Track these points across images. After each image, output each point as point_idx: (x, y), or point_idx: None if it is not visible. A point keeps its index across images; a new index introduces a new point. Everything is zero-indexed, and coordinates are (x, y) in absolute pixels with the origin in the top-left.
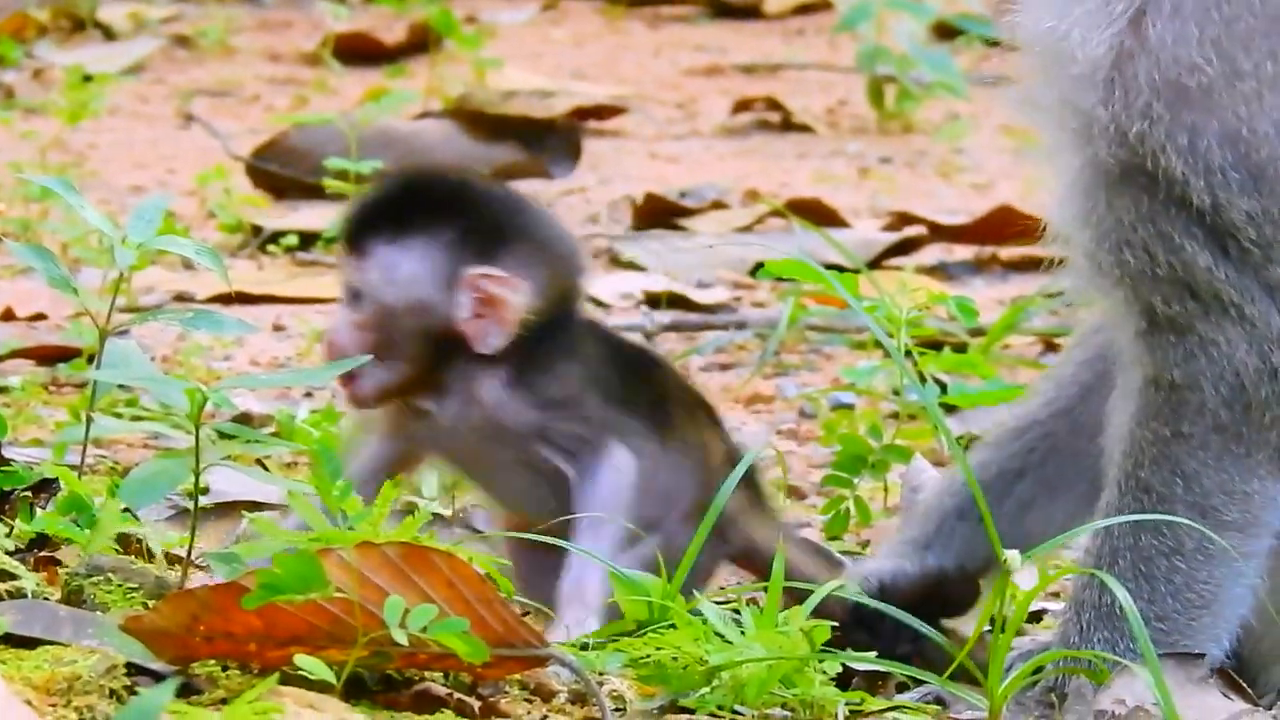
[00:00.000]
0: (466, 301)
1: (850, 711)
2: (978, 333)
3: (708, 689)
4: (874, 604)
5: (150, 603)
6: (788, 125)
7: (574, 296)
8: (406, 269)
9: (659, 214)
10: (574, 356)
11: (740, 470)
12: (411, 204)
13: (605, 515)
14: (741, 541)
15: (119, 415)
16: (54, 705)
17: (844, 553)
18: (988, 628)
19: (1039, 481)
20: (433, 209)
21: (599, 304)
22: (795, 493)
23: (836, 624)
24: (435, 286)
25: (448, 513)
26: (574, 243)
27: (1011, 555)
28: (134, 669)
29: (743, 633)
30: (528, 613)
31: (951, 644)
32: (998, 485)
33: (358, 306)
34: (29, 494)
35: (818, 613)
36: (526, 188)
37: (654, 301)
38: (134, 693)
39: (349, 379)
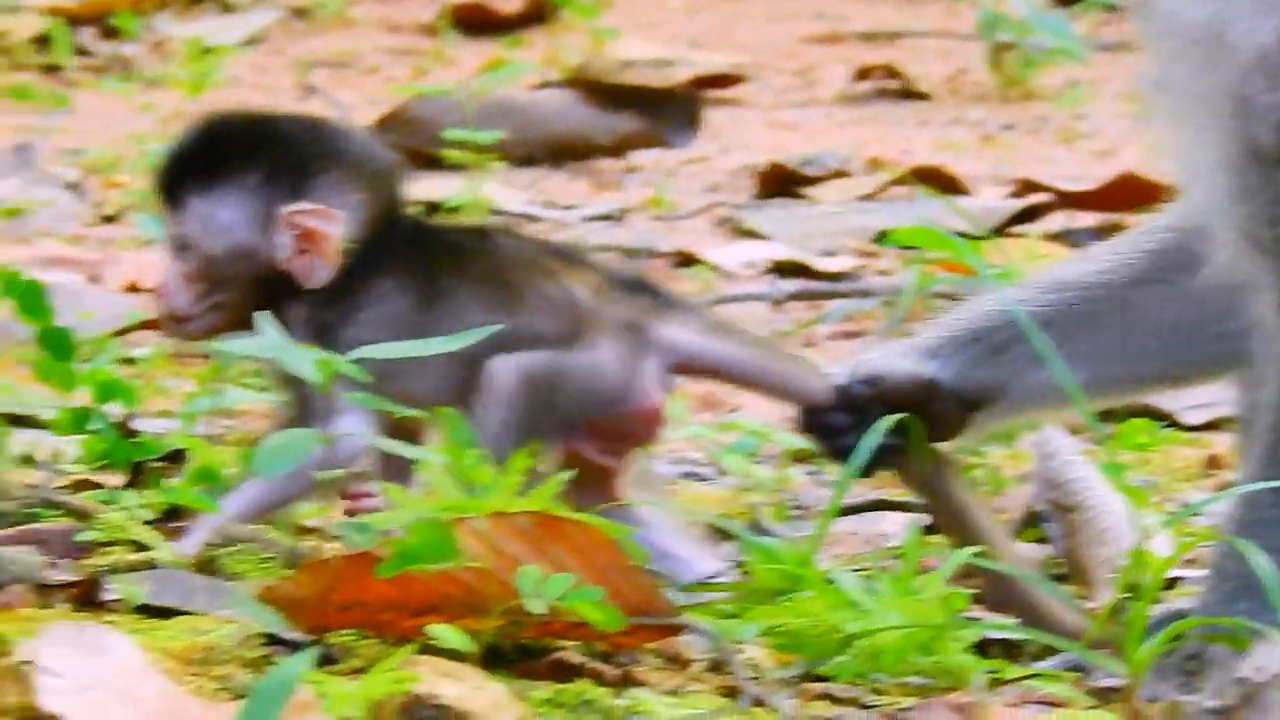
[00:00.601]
0: (286, 241)
1: (989, 679)
2: None
3: (844, 656)
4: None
5: (285, 572)
6: (907, 93)
7: (395, 210)
8: (222, 217)
9: (781, 183)
10: (379, 278)
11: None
12: (217, 150)
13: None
14: (666, 343)
15: (246, 385)
16: (191, 675)
17: None
18: (1124, 595)
19: (1062, 339)
20: (238, 152)
21: (722, 272)
22: None
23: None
24: (252, 230)
25: None
26: (385, 157)
27: (1150, 521)
28: (270, 638)
29: (879, 600)
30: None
31: (1091, 612)
32: (1019, 326)
33: (184, 257)
34: (160, 464)
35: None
36: (646, 157)
37: (778, 270)
38: (270, 662)
39: (181, 322)
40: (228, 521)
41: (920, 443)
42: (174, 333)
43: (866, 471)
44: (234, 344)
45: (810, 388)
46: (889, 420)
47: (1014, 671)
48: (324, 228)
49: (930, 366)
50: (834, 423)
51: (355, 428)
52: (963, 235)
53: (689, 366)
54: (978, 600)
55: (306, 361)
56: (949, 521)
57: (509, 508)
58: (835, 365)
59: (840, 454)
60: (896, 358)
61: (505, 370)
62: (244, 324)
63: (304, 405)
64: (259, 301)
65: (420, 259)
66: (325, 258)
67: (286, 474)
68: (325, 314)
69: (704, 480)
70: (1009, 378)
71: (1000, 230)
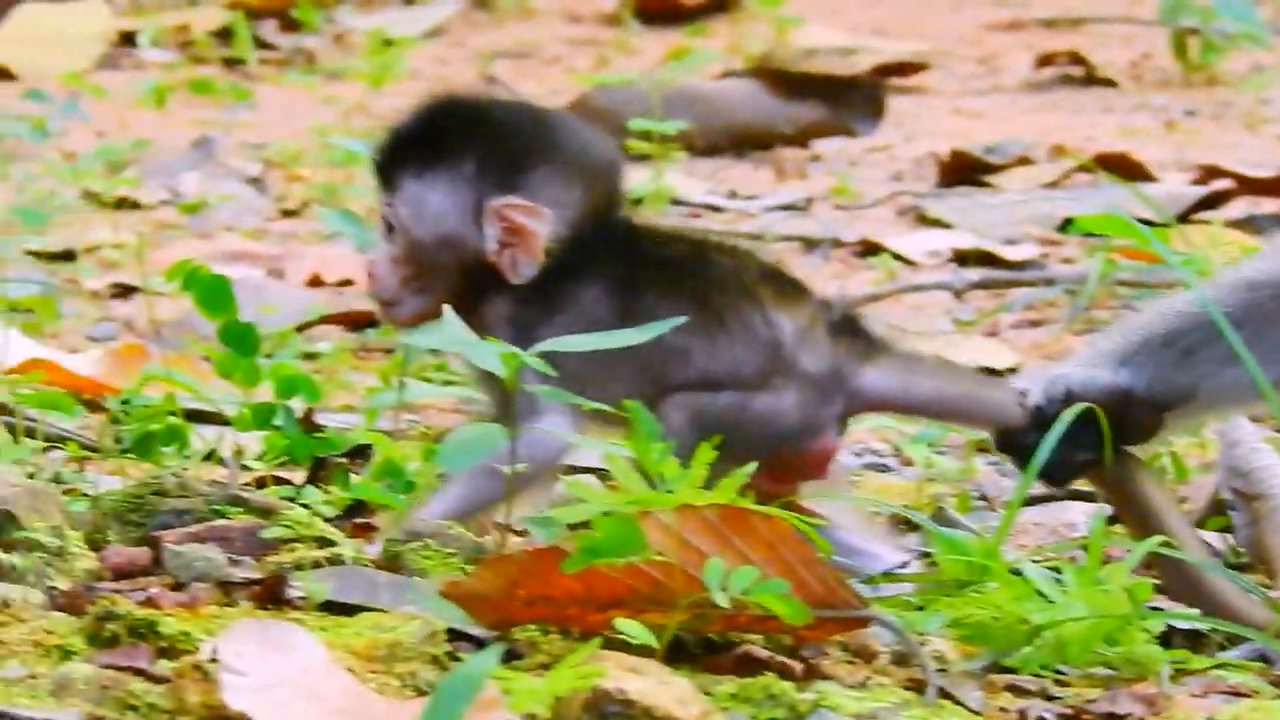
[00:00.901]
0: (493, 233)
1: (1174, 670)
2: None
3: (1029, 648)
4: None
5: (469, 568)
6: (1091, 79)
7: (611, 209)
8: (433, 203)
9: (964, 170)
10: (585, 284)
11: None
12: (435, 134)
13: (493, 469)
14: (860, 392)
15: (428, 380)
16: (375, 672)
17: None
18: None
19: (1254, 339)
20: (455, 138)
21: (905, 261)
22: None
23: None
24: (462, 219)
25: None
26: (607, 153)
27: None
28: (454, 634)
29: (1064, 591)
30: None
31: (1275, 601)
32: (1209, 327)
33: (392, 240)
34: (343, 460)
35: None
36: (830, 146)
37: (962, 259)
38: (455, 658)
39: (387, 306)
40: (429, 525)
41: (1113, 450)
42: (383, 316)
43: (1062, 481)
44: (420, 336)
45: (1008, 412)
46: (1075, 420)
47: (1199, 662)
48: (531, 224)
49: (1123, 375)
50: (1032, 443)
51: (554, 431)
52: (1146, 222)
53: (885, 409)
54: (1162, 591)
55: (492, 356)
56: (1138, 523)
57: (695, 501)
58: (1029, 381)
59: (1041, 471)
60: (1089, 370)
61: (679, 411)
62: (447, 301)
63: (505, 404)
64: (464, 292)
65: (629, 268)
66: (531, 255)
67: (485, 474)
68: (527, 312)
69: (888, 471)
70: (1200, 379)
71: (1184, 217)
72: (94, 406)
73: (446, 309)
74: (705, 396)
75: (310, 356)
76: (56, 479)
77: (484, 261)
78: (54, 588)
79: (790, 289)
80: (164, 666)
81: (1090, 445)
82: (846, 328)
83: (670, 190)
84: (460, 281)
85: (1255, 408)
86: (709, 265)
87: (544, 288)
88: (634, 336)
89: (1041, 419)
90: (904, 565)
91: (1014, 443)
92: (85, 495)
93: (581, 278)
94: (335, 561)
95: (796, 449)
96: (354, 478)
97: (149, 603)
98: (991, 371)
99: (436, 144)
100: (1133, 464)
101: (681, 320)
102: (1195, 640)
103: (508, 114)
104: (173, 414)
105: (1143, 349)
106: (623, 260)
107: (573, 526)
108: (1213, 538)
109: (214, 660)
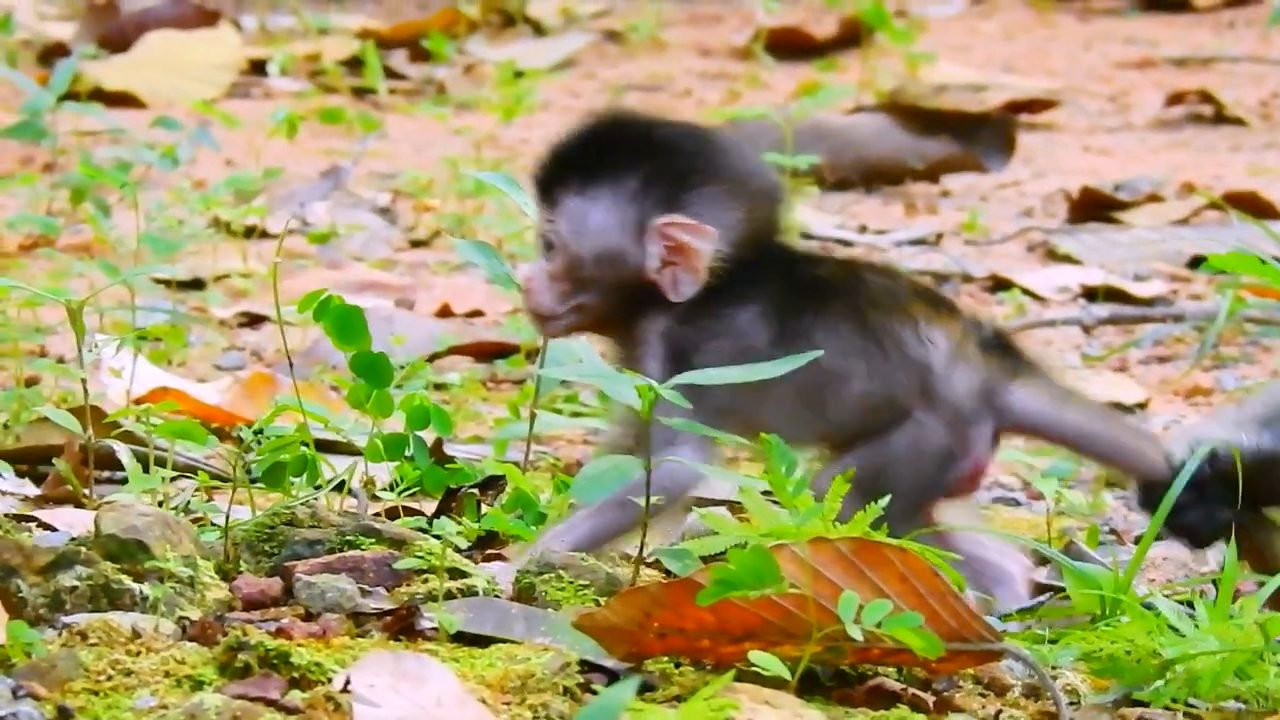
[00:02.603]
0: (656, 251)
1: None
2: None
3: (1161, 682)
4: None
5: (602, 599)
6: (1220, 118)
7: (771, 232)
8: (595, 220)
9: (1094, 207)
10: (743, 305)
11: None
12: (598, 152)
13: (623, 501)
14: (1009, 409)
15: (559, 411)
16: (508, 703)
17: None
18: None
19: None
20: (619, 156)
21: (1035, 297)
22: None
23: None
24: (624, 236)
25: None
26: (770, 177)
27: None
28: (587, 666)
29: (1196, 625)
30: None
31: None
32: None
33: (551, 256)
34: (475, 491)
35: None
36: (960, 182)
37: (1091, 295)
38: (588, 690)
39: (543, 320)
40: (558, 555)
41: (1254, 513)
42: (539, 329)
43: (1202, 541)
44: (556, 369)
45: (1150, 463)
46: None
47: None
48: (696, 243)
49: (1266, 438)
50: (1182, 501)
51: (689, 457)
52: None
53: (1031, 432)
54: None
55: (628, 388)
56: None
57: (828, 533)
58: (1175, 439)
59: (1182, 531)
60: (1232, 431)
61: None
62: (606, 326)
63: (641, 432)
64: (620, 309)
65: (785, 290)
66: (694, 273)
67: (616, 505)
68: (682, 332)
69: (1017, 505)
70: None
71: None
72: (222, 435)
73: (585, 342)
74: (871, 452)
75: (440, 387)
76: (185, 508)
77: (644, 279)
78: (185, 618)
79: (942, 306)
80: (296, 697)
81: (1231, 506)
82: (997, 346)
83: (801, 224)
84: (618, 299)
85: None
86: (862, 283)
87: (701, 308)
88: (774, 369)
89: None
90: (1037, 599)
91: (1156, 499)
92: (215, 525)
93: (739, 300)
94: (468, 592)
95: (952, 469)
96: (486, 509)
97: (280, 633)
98: (1120, 407)
99: (600, 161)
100: (1271, 528)
101: (818, 354)
102: None
103: (672, 133)
104: (304, 444)
105: None
106: (779, 283)
107: (706, 558)
108: None
109: (347, 691)
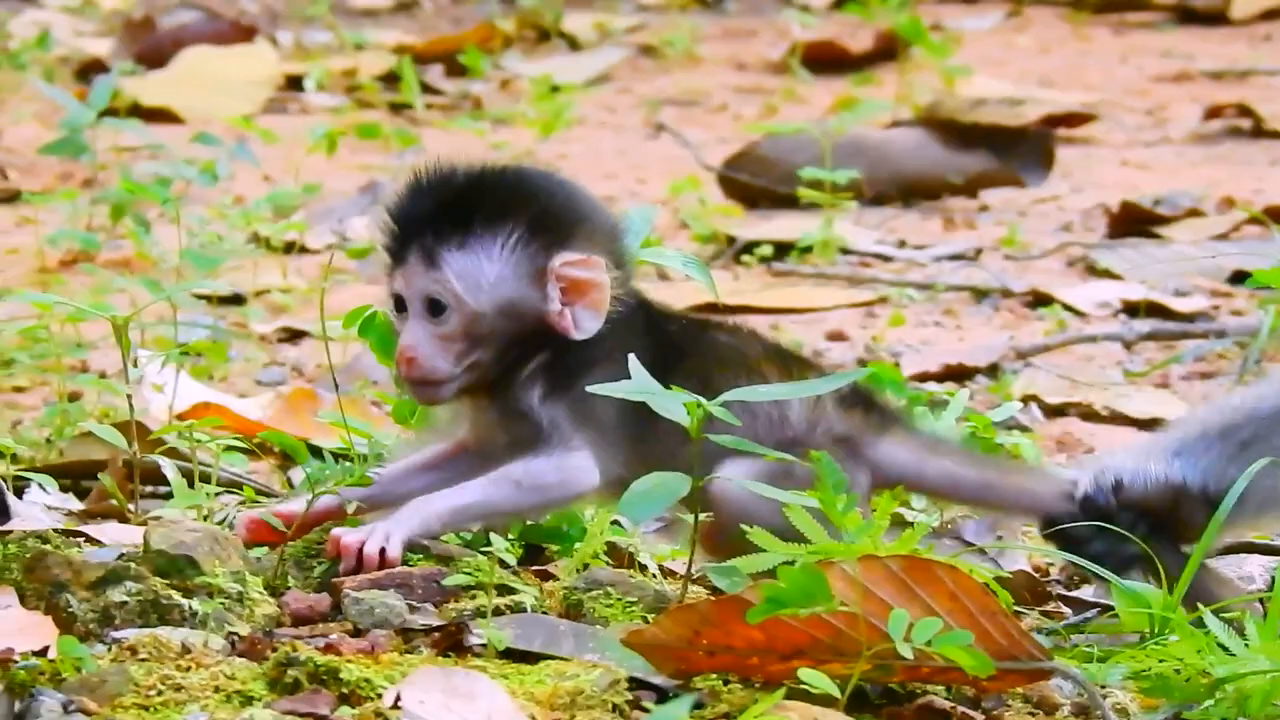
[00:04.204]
0: (555, 294)
1: None
2: None
3: (1211, 701)
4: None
5: (650, 616)
6: (1259, 131)
7: (628, 265)
8: (490, 272)
9: (1134, 222)
10: (610, 344)
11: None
12: (469, 205)
13: (521, 477)
14: (877, 462)
15: None
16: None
17: None
18: None
19: None
20: (493, 206)
21: (1076, 312)
22: None
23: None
24: (522, 284)
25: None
26: (615, 217)
27: None
28: (636, 683)
29: (1245, 644)
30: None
31: None
32: (1268, 421)
33: (442, 318)
34: None
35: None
36: (998, 196)
37: (1132, 310)
38: (637, 707)
39: (433, 387)
40: (431, 523)
41: (1166, 546)
42: (425, 398)
43: (1118, 571)
44: (602, 385)
45: (1046, 502)
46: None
47: None
48: (595, 277)
49: (1175, 467)
50: (1080, 533)
51: (586, 465)
52: None
53: (900, 483)
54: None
55: (677, 405)
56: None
57: (878, 552)
58: (1081, 470)
59: (1092, 562)
60: (1141, 460)
61: (727, 490)
62: (494, 380)
63: (537, 441)
64: (510, 358)
65: (648, 335)
66: (597, 308)
67: (512, 482)
68: (563, 362)
69: None
70: (1256, 477)
71: None
72: (265, 451)
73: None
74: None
75: None
76: (230, 524)
77: (543, 323)
78: (234, 633)
79: (795, 364)
80: (345, 713)
81: (1142, 538)
82: (859, 401)
83: (840, 239)
84: (510, 348)
85: None
86: (714, 343)
87: (576, 343)
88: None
89: (1090, 508)
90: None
91: (1059, 533)
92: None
93: (612, 332)
94: (516, 609)
95: None
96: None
97: (329, 649)
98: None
99: (474, 214)
100: (1184, 562)
101: (863, 372)
102: None
103: (534, 177)
104: (348, 459)
105: (1198, 442)
106: (641, 329)
107: (754, 576)
108: None
109: (397, 707)
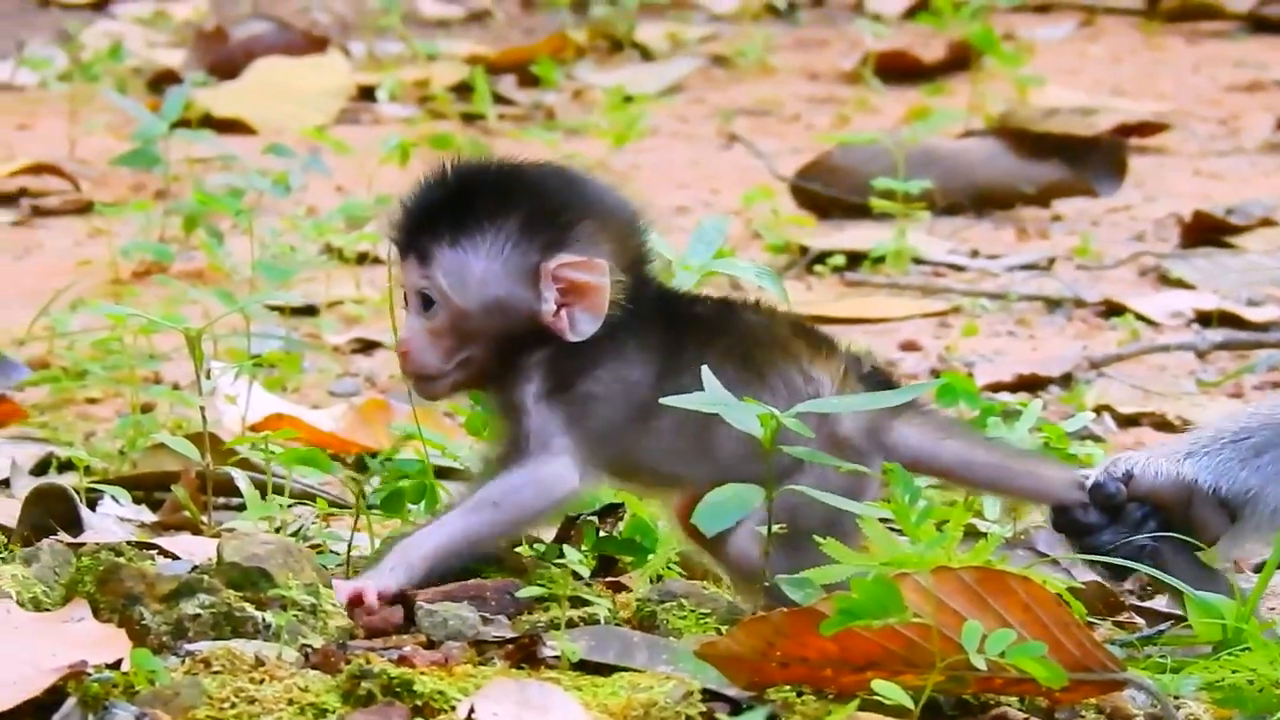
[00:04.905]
0: (551, 294)
1: None
2: None
3: None
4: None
5: (723, 628)
6: None
7: (644, 261)
8: (478, 270)
9: (1206, 231)
10: (619, 345)
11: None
12: (466, 201)
13: (497, 498)
14: (894, 446)
15: None
16: None
17: None
18: None
19: None
20: (489, 202)
21: (1148, 322)
22: None
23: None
24: (513, 283)
25: (1008, 534)
26: (632, 208)
27: None
28: (709, 695)
29: None
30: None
31: None
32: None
33: (431, 313)
34: (593, 518)
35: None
36: (1071, 206)
37: (1204, 320)
38: (711, 719)
39: (426, 381)
40: (416, 570)
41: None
42: (421, 391)
43: (1124, 572)
44: (677, 397)
45: (1057, 489)
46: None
47: None
48: (594, 280)
49: (1187, 467)
50: (1087, 521)
51: (564, 473)
52: None
53: (914, 466)
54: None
55: (750, 416)
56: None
57: (951, 563)
58: (1094, 467)
59: (1094, 553)
60: (1154, 457)
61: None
62: (490, 377)
63: (515, 445)
64: (506, 354)
65: (666, 326)
66: (595, 310)
67: (489, 504)
68: (563, 362)
69: None
70: (1267, 481)
71: None
72: (338, 462)
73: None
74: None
75: None
76: (303, 535)
77: (537, 324)
78: (308, 645)
79: (822, 344)
80: None
81: (1147, 532)
82: (878, 381)
83: (912, 249)
84: (504, 346)
85: None
86: (742, 322)
87: (584, 342)
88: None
89: (1099, 498)
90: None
91: (1069, 521)
92: (335, 552)
93: (621, 332)
94: (590, 620)
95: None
96: (605, 536)
97: (403, 661)
98: None
99: (470, 210)
100: (1190, 559)
101: (936, 383)
102: None
103: (536, 173)
104: (423, 471)
105: (1210, 443)
106: (660, 317)
107: (827, 587)
108: None
109: (471, 719)
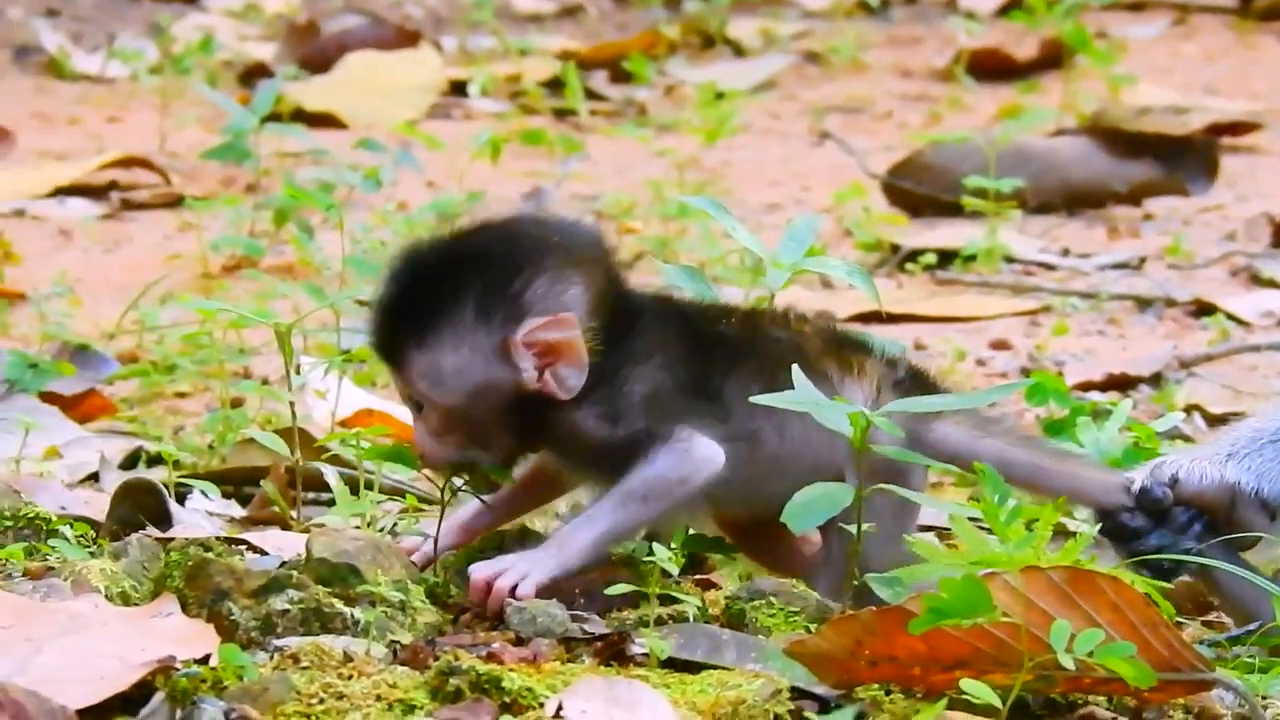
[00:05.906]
0: (527, 364)
1: None
2: None
3: None
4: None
5: (812, 626)
6: None
7: (618, 281)
8: (448, 365)
9: None
10: (642, 354)
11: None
12: (416, 297)
13: (644, 490)
14: (934, 445)
15: None
16: None
17: None
18: None
19: None
20: (439, 293)
21: (1239, 322)
22: None
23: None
24: (488, 366)
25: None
26: (585, 231)
27: None
28: (798, 693)
29: None
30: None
31: None
32: None
33: (425, 415)
34: None
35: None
36: (1163, 205)
37: None
38: (799, 717)
39: (456, 472)
40: (571, 561)
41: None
42: (464, 481)
43: (1169, 575)
44: (764, 396)
45: (1101, 491)
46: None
47: None
48: (565, 336)
49: (1230, 469)
50: (1133, 525)
51: (707, 449)
52: None
53: (958, 465)
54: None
55: (840, 416)
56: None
57: (1040, 563)
58: (1138, 470)
59: (1139, 556)
60: (1197, 460)
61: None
62: (513, 440)
63: (634, 454)
64: (521, 418)
65: (683, 345)
66: (577, 364)
67: (638, 499)
68: (602, 405)
69: None
70: None
71: None
72: None
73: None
74: None
75: None
76: (393, 531)
77: (525, 392)
78: (396, 642)
79: (853, 353)
80: None
81: (1196, 537)
82: (915, 383)
83: (1004, 248)
84: (510, 414)
85: None
86: (769, 341)
87: (602, 372)
88: (986, 397)
89: (1147, 502)
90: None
91: (1115, 524)
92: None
93: (634, 359)
94: (679, 618)
95: (908, 515)
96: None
97: (491, 658)
98: None
99: (426, 305)
100: (1235, 563)
101: (1025, 383)
102: None
103: (481, 243)
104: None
105: (1250, 444)
106: (674, 336)
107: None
108: None
109: (559, 716)
